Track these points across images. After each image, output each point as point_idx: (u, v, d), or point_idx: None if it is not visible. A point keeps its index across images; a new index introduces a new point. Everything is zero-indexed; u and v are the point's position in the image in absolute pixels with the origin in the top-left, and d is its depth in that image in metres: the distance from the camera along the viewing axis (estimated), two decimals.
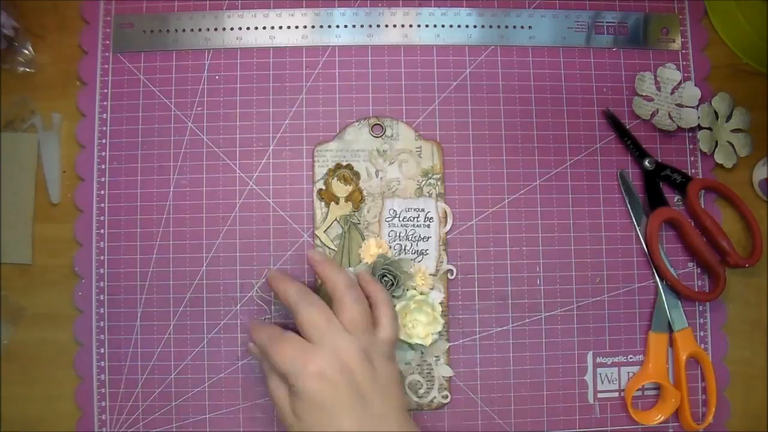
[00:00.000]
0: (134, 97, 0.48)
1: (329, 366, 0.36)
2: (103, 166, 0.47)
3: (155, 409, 0.45)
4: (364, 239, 0.46)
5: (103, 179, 0.47)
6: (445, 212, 0.47)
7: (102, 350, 0.46)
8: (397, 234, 0.47)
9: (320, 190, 0.47)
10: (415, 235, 0.47)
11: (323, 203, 0.47)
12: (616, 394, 0.47)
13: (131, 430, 0.45)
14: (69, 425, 0.45)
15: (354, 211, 0.47)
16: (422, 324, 0.45)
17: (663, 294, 0.47)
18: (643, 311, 0.48)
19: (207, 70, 0.48)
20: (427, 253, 0.47)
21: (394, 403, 0.38)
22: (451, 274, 0.47)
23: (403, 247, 0.47)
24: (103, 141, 0.48)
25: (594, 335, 0.47)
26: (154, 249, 0.47)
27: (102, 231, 0.47)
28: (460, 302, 0.47)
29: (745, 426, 0.47)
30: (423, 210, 0.47)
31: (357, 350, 0.37)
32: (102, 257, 0.46)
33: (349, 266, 0.46)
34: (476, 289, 0.47)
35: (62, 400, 0.45)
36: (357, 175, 0.47)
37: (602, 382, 0.47)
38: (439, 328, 0.45)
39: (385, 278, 0.45)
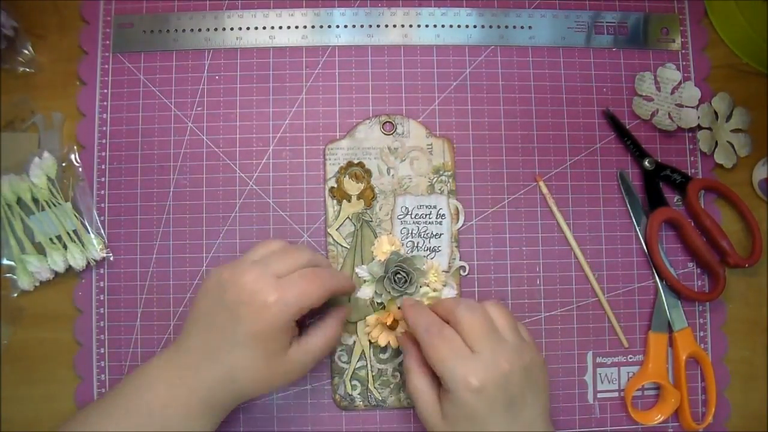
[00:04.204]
0: (134, 97, 0.48)
1: (490, 379, 0.36)
2: (103, 166, 0.47)
3: None
4: (376, 237, 0.47)
5: (103, 179, 0.47)
6: (457, 209, 0.47)
7: (102, 350, 0.46)
8: (410, 231, 0.47)
9: (332, 188, 0.47)
10: (427, 232, 0.47)
11: (335, 201, 0.47)
12: (616, 394, 0.47)
13: None
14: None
15: (366, 209, 0.47)
16: None
17: (663, 294, 0.47)
18: (642, 311, 0.48)
19: (207, 70, 0.49)
20: (440, 250, 0.47)
21: (540, 411, 0.38)
22: (464, 271, 0.47)
23: (415, 244, 0.47)
24: (103, 141, 0.48)
25: (594, 335, 0.47)
26: (154, 249, 0.47)
27: (102, 231, 0.47)
28: None
29: (745, 426, 0.47)
30: (435, 207, 0.47)
31: (517, 359, 0.37)
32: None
33: (362, 263, 0.46)
34: (476, 289, 0.47)
35: (62, 400, 0.45)
36: (368, 172, 0.47)
37: (602, 382, 0.47)
38: None
39: (398, 275, 0.45)
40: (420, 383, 0.39)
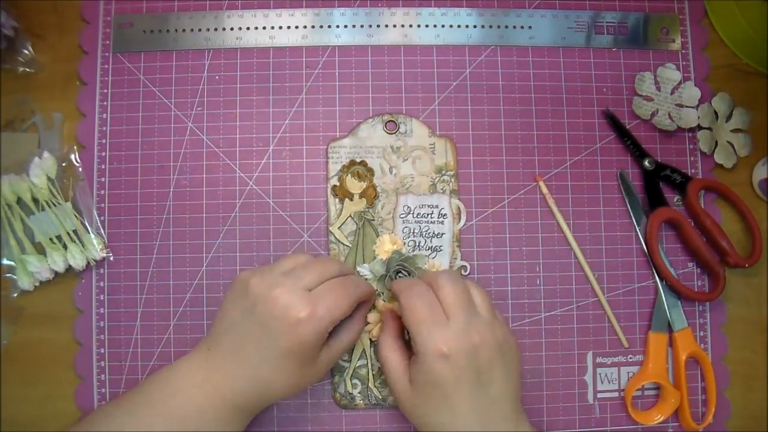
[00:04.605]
0: (134, 97, 0.48)
1: (459, 348, 0.36)
2: (103, 166, 0.47)
3: None
4: (378, 235, 0.47)
5: (103, 179, 0.47)
6: (459, 209, 0.47)
7: (102, 350, 0.46)
8: (411, 230, 0.47)
9: (334, 186, 0.47)
10: (428, 231, 0.47)
11: (337, 199, 0.47)
12: (616, 394, 0.47)
13: None
14: (69, 425, 0.45)
15: (368, 208, 0.47)
16: None
17: (663, 294, 0.47)
18: (642, 311, 0.48)
19: (207, 70, 0.49)
20: (441, 250, 0.47)
21: (510, 391, 0.38)
22: (465, 270, 0.47)
23: (417, 244, 0.47)
24: (103, 141, 0.48)
25: (594, 335, 0.47)
26: (154, 249, 0.47)
27: (102, 231, 0.47)
28: None
29: (745, 426, 0.47)
30: (437, 206, 0.47)
31: (489, 333, 0.37)
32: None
33: (364, 262, 0.46)
34: None
35: (62, 400, 0.45)
36: (371, 171, 0.47)
37: (602, 382, 0.47)
38: None
39: (400, 274, 0.45)
40: (391, 354, 0.40)
